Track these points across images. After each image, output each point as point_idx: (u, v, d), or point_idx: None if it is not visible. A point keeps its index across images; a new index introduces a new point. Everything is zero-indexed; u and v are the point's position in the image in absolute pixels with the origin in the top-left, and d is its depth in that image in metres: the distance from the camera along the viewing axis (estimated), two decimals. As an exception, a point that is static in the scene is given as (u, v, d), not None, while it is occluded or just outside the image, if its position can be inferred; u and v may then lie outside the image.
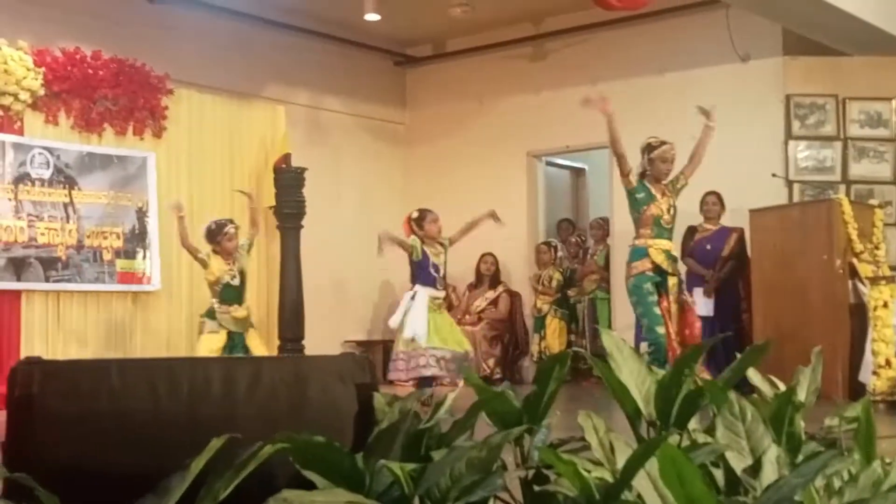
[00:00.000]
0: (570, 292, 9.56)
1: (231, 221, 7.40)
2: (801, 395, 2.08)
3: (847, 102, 8.48)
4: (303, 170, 8.40)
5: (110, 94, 8.03)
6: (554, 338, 9.41)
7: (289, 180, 8.33)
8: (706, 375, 5.83)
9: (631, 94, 8.94)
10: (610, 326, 8.79)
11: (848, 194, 8.04)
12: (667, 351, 5.98)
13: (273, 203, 8.47)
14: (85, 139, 7.93)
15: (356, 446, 1.87)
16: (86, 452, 1.77)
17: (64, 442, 1.77)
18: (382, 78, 10.57)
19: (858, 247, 7.24)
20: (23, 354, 6.89)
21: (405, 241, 7.11)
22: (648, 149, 6.27)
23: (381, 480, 1.68)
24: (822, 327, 7.01)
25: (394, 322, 7.13)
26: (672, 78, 8.91)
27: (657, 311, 6.08)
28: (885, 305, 6.85)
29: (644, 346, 6.25)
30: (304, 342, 8.26)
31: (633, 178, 6.24)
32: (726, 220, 8.21)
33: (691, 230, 8.19)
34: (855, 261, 7.23)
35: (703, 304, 7.93)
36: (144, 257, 8.13)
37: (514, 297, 9.89)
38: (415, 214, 7.26)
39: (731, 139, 8.43)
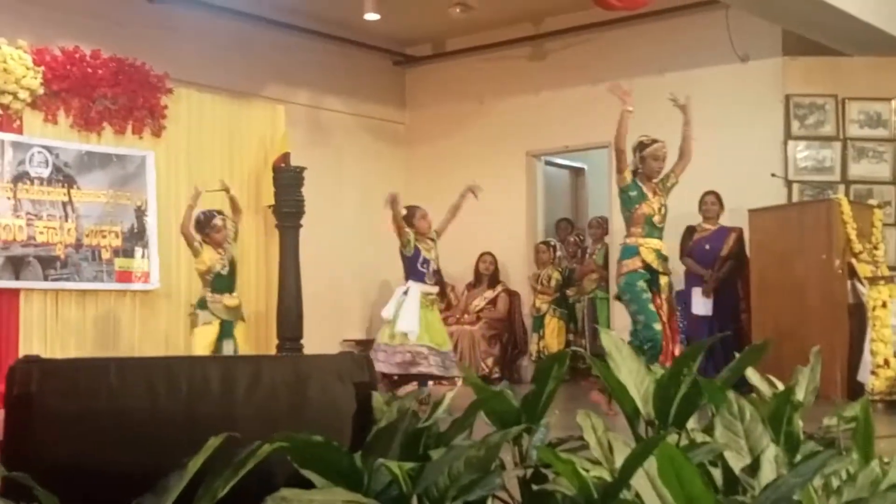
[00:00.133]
0: (569, 292, 9.57)
1: (220, 213, 7.42)
2: (800, 395, 2.08)
3: (846, 102, 8.49)
4: (302, 169, 8.39)
5: (109, 93, 8.02)
6: (552, 337, 9.42)
7: (288, 179, 8.32)
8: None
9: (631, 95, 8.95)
10: (609, 326, 8.80)
11: (847, 194, 8.05)
12: (661, 349, 5.98)
13: (272, 202, 8.46)
14: (84, 138, 7.92)
15: (355, 445, 1.87)
16: (84, 451, 1.77)
17: (62, 441, 1.77)
18: (382, 77, 10.57)
19: (857, 247, 7.24)
20: (21, 353, 6.88)
21: (403, 225, 7.15)
22: (640, 147, 6.28)
23: (380, 479, 1.68)
24: (820, 327, 7.02)
25: (386, 313, 7.20)
26: (672, 78, 8.90)
27: (652, 307, 6.08)
28: (884, 305, 6.86)
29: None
30: (302, 341, 8.26)
31: (628, 176, 6.24)
32: (725, 220, 8.21)
33: (690, 230, 8.19)
34: (854, 261, 7.23)
35: (701, 304, 7.94)
36: (143, 256, 8.13)
37: (512, 296, 9.89)
38: (403, 212, 7.30)
39: (731, 139, 8.44)
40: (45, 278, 7.58)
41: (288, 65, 9.61)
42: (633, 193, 6.24)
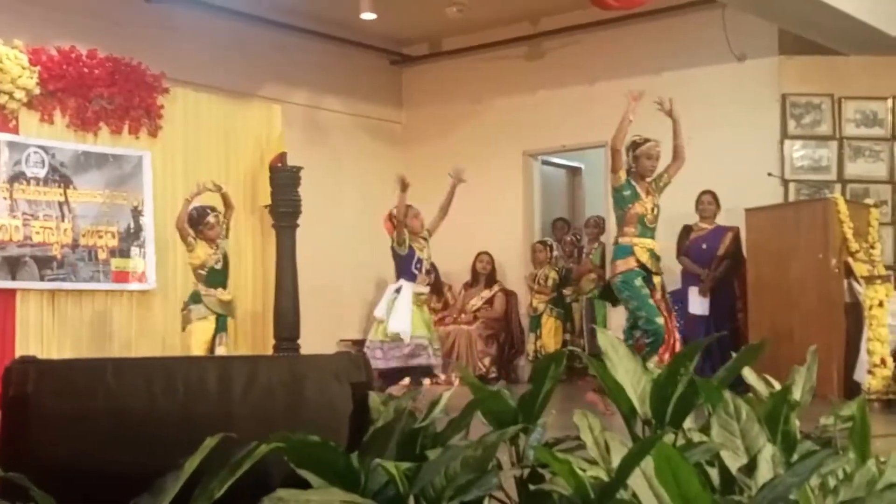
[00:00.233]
0: (566, 291, 9.57)
1: (213, 209, 7.42)
2: (797, 394, 2.08)
3: (843, 102, 8.49)
4: (298, 169, 8.39)
5: (106, 93, 8.01)
6: (549, 337, 9.42)
7: (284, 179, 8.32)
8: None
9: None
10: (606, 326, 8.80)
11: (843, 193, 8.06)
12: (664, 342, 5.98)
13: (269, 202, 8.46)
14: (80, 138, 7.91)
15: (351, 445, 1.87)
16: (81, 451, 1.77)
17: (59, 441, 1.77)
18: (379, 77, 10.57)
19: (854, 246, 7.25)
20: (18, 353, 6.88)
21: (403, 219, 7.14)
22: (633, 146, 6.28)
23: (376, 479, 1.68)
24: (817, 326, 7.03)
25: (379, 312, 7.22)
26: (669, 77, 8.91)
27: (652, 302, 6.09)
28: (881, 304, 6.87)
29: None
30: (299, 341, 8.26)
31: (622, 175, 6.25)
32: (722, 220, 8.22)
33: (687, 229, 8.20)
34: (850, 260, 7.24)
35: (698, 303, 7.94)
36: (140, 256, 8.12)
37: (509, 296, 9.90)
38: (395, 211, 7.31)
39: (727, 138, 8.45)
40: (42, 278, 7.56)
41: (285, 64, 9.60)
42: (627, 193, 6.25)
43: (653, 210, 6.28)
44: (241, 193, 8.51)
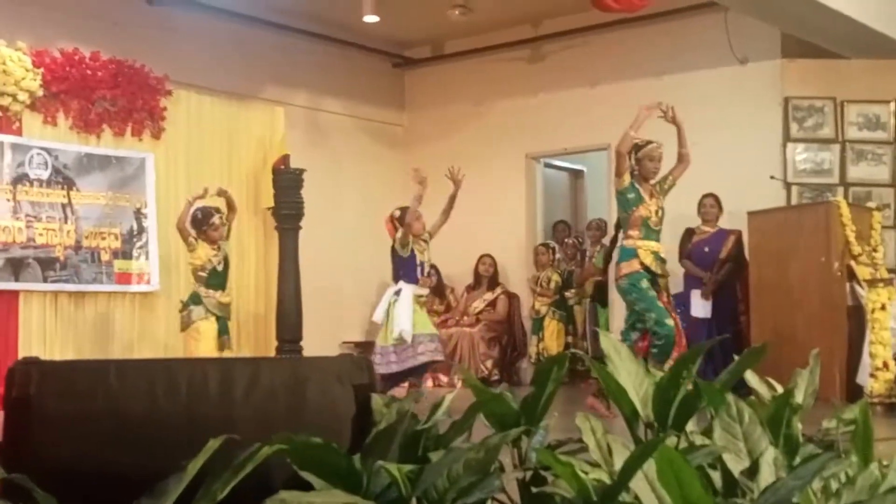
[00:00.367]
0: (568, 294, 9.56)
1: (217, 211, 7.43)
2: (799, 398, 2.08)
3: (845, 105, 8.49)
4: (301, 171, 8.39)
5: (109, 95, 8.02)
6: (552, 339, 9.41)
7: (287, 181, 8.33)
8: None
9: (629, 97, 8.93)
10: (608, 329, 8.80)
11: (846, 197, 8.05)
12: (675, 344, 5.96)
13: (271, 204, 8.47)
14: (83, 140, 7.92)
15: (354, 447, 1.87)
16: (83, 453, 1.77)
17: (62, 442, 1.77)
18: (381, 79, 10.57)
19: (856, 249, 7.25)
20: (20, 355, 6.88)
21: (414, 211, 7.11)
22: (635, 148, 6.28)
23: (379, 481, 1.68)
24: (819, 329, 7.02)
25: (377, 317, 7.21)
26: (670, 81, 8.91)
27: (661, 304, 6.07)
28: (883, 308, 6.86)
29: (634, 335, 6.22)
30: (302, 343, 8.26)
31: (627, 178, 6.25)
32: (724, 223, 8.21)
33: (689, 232, 8.19)
34: (853, 263, 7.24)
35: (700, 307, 7.93)
36: (142, 258, 8.12)
37: (512, 298, 9.89)
38: (397, 213, 7.31)
39: (730, 141, 8.45)
40: (45, 280, 7.57)
41: (287, 67, 9.61)
42: (631, 196, 6.25)
43: (657, 213, 6.28)
44: (243, 195, 8.52)
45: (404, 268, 7.17)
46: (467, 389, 2.04)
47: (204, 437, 1.63)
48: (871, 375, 6.76)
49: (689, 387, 1.89)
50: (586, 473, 1.62)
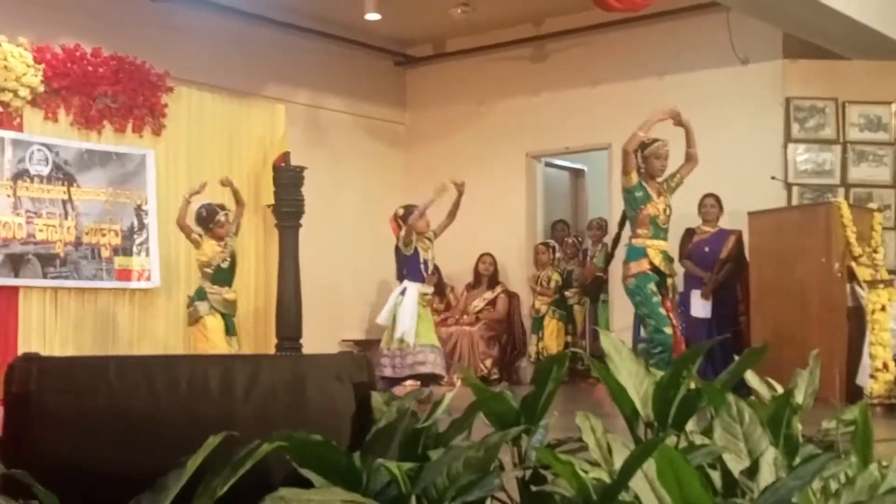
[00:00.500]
0: (568, 293, 9.56)
1: (222, 207, 7.43)
2: (799, 398, 2.08)
3: (846, 106, 8.49)
4: (302, 169, 8.39)
5: (110, 92, 8.03)
6: (552, 339, 9.41)
7: (288, 179, 8.33)
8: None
9: (631, 97, 8.96)
10: (608, 328, 8.80)
11: (847, 198, 8.05)
12: (672, 352, 5.96)
13: (272, 202, 8.47)
14: (84, 136, 7.93)
15: (353, 445, 1.87)
16: (83, 449, 1.77)
17: (62, 439, 1.77)
18: (382, 78, 10.57)
19: (857, 250, 7.24)
20: (20, 351, 6.88)
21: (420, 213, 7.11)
22: (641, 147, 6.28)
23: (378, 479, 1.68)
24: (819, 330, 7.02)
25: (382, 319, 7.22)
26: (672, 80, 8.92)
27: (662, 311, 6.07)
28: (883, 309, 6.86)
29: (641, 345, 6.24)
30: (301, 341, 8.27)
31: (634, 176, 6.25)
32: (724, 223, 8.21)
33: (689, 232, 8.19)
34: (853, 264, 7.23)
35: (700, 307, 7.94)
36: (143, 254, 8.12)
37: (512, 297, 9.89)
38: (401, 211, 7.33)
39: (731, 142, 8.45)
40: (45, 276, 7.58)
41: (288, 64, 9.61)
42: (639, 194, 6.25)
43: (665, 211, 6.28)
44: (244, 193, 8.49)
45: (408, 266, 7.18)
46: (467, 388, 2.03)
47: (204, 435, 1.63)
48: (871, 376, 6.75)
49: (692, 385, 1.89)
50: (586, 472, 1.62)
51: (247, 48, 9.18)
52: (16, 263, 7.43)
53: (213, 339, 7.13)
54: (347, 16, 9.42)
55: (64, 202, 7.74)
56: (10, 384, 1.81)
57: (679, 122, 6.30)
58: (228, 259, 7.39)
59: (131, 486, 1.62)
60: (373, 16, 9.06)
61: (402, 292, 7.12)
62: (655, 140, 6.28)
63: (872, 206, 7.91)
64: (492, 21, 9.72)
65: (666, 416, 1.86)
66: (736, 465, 1.74)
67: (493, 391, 1.94)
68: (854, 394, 6.67)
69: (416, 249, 7.17)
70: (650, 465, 1.52)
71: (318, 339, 8.60)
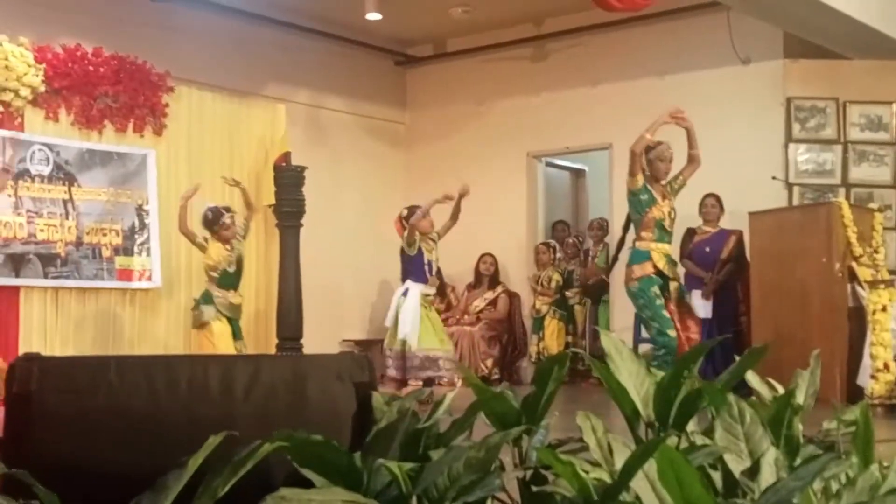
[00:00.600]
0: (569, 293, 9.56)
1: (228, 209, 7.42)
2: (800, 398, 2.08)
3: (847, 106, 8.49)
4: (303, 168, 8.39)
5: (111, 91, 8.03)
6: (552, 339, 9.41)
7: (289, 179, 8.33)
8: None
9: (631, 97, 8.96)
10: (609, 328, 8.79)
11: (848, 198, 8.04)
12: (675, 355, 5.96)
13: (273, 202, 8.46)
14: (85, 136, 7.93)
15: (354, 445, 1.87)
16: (84, 449, 1.77)
17: (62, 438, 1.77)
18: (383, 78, 10.57)
19: (858, 250, 7.24)
20: (21, 351, 6.88)
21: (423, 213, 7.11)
22: (645, 150, 6.28)
23: (379, 479, 1.68)
24: (820, 330, 7.01)
25: (389, 320, 7.23)
26: (672, 80, 8.91)
27: (666, 314, 6.07)
28: (884, 309, 6.85)
29: (644, 347, 6.24)
30: (302, 341, 8.26)
31: (640, 179, 6.24)
32: (725, 223, 8.21)
33: (690, 232, 8.19)
34: (854, 264, 7.23)
35: (701, 307, 7.92)
36: (143, 254, 8.12)
37: (512, 297, 9.89)
38: (404, 212, 7.32)
39: (732, 142, 8.44)
40: (46, 276, 7.57)
41: (289, 64, 9.61)
42: (644, 197, 6.24)
43: (670, 214, 6.27)
44: (245, 193, 8.52)
45: (412, 266, 7.18)
46: (468, 388, 2.03)
47: (204, 434, 1.63)
48: (872, 377, 6.75)
49: (695, 385, 1.89)
50: (587, 473, 1.62)
51: (247, 48, 9.18)
52: (17, 263, 7.43)
53: (219, 346, 7.10)
54: (348, 16, 9.42)
55: (65, 202, 7.74)
56: (11, 384, 1.81)
57: (686, 125, 6.29)
58: (235, 263, 7.36)
59: (132, 485, 1.62)
60: (373, 16, 9.06)
61: (405, 293, 7.12)
62: (660, 143, 6.28)
63: (873, 206, 7.90)
64: (492, 21, 9.72)
65: (667, 416, 1.86)
66: (737, 465, 1.74)
67: (493, 391, 1.94)
68: (855, 394, 6.67)
69: (420, 250, 7.17)
70: (651, 466, 1.53)
71: (319, 339, 8.60)
